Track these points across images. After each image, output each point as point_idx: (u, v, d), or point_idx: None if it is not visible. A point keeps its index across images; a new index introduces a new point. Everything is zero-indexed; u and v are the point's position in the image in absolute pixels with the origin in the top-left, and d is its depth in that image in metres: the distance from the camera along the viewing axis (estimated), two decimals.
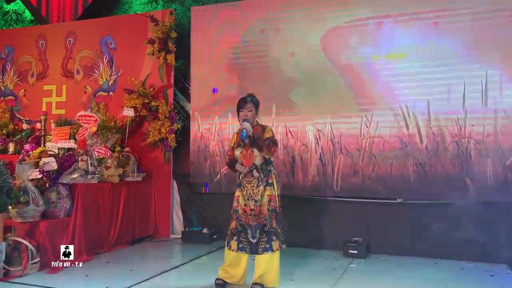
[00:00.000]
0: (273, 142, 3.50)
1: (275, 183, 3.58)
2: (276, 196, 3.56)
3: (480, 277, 4.01)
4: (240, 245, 3.54)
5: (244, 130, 3.46)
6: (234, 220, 3.60)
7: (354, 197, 4.96)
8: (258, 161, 3.51)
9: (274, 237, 3.48)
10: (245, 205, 3.54)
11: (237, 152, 3.58)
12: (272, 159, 3.63)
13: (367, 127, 4.92)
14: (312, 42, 5.20)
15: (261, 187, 3.52)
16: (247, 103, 3.61)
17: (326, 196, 5.08)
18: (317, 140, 5.12)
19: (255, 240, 3.49)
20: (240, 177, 3.61)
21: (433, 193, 4.64)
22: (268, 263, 3.50)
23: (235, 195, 3.65)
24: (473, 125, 4.53)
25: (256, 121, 3.68)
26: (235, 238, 3.57)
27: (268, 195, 3.51)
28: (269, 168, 3.58)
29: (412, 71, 4.78)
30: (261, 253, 3.47)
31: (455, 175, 4.57)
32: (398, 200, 4.83)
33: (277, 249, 3.49)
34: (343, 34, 5.08)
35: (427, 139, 4.69)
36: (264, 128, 3.62)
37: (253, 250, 3.50)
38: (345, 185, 4.96)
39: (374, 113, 4.89)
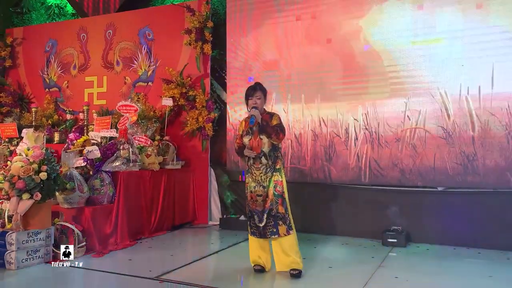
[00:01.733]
0: (281, 128, 3.56)
1: (282, 169, 3.63)
2: (283, 181, 3.60)
3: None
4: (251, 230, 3.65)
5: (253, 117, 3.51)
6: (246, 205, 3.70)
7: (393, 185, 4.88)
8: (266, 148, 3.57)
9: (280, 222, 3.51)
10: (252, 191, 3.60)
11: (246, 140, 3.64)
12: (280, 145, 3.70)
13: (406, 115, 4.80)
14: (349, 28, 5.11)
15: (269, 174, 3.57)
16: (256, 91, 3.66)
17: (364, 185, 5.01)
18: (353, 129, 5.04)
19: (261, 224, 3.55)
20: (249, 163, 3.66)
21: (478, 183, 4.49)
22: (295, 245, 3.56)
23: (245, 181, 3.71)
24: None
25: (264, 108, 3.72)
26: (248, 223, 3.68)
27: (274, 180, 3.56)
28: (276, 155, 3.63)
29: (454, 55, 4.61)
30: (269, 237, 3.55)
31: (504, 165, 4.39)
32: (440, 189, 4.70)
33: (284, 234, 3.51)
34: (381, 19, 4.96)
35: (474, 128, 4.52)
36: (271, 115, 3.67)
37: (261, 234, 3.57)
38: (381, 176, 4.87)
39: (415, 100, 4.76)
